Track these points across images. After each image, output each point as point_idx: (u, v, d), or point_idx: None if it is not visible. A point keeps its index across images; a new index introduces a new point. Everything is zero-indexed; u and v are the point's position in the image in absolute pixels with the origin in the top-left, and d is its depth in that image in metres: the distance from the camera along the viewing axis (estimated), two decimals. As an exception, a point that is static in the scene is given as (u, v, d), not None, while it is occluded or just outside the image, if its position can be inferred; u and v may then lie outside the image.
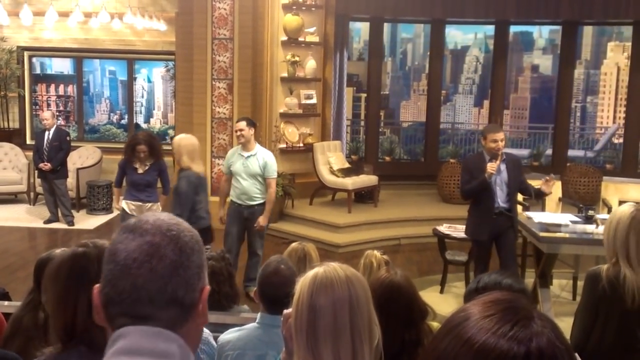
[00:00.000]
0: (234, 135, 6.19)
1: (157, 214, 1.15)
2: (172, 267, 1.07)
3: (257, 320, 2.73)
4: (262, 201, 6.04)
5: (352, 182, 8.84)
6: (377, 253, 3.47)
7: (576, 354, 2.99)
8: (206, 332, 2.83)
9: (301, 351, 1.65)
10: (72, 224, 8.66)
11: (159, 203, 6.26)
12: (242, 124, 5.96)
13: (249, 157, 5.97)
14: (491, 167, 5.29)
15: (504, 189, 5.45)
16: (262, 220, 6.01)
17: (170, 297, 1.07)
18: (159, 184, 6.40)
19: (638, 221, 3.02)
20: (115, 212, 9.36)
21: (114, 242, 1.11)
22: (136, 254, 1.07)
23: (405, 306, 2.45)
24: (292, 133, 9.13)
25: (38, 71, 11.72)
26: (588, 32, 18.72)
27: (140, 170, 6.08)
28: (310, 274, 1.72)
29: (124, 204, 6.13)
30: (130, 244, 1.08)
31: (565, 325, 4.67)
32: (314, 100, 9.29)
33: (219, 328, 3.04)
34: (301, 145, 9.15)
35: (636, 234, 3.01)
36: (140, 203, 6.11)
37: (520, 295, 0.90)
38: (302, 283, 1.71)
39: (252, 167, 5.97)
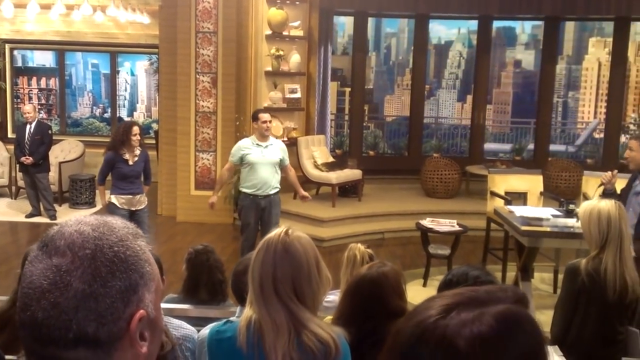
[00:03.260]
0: (259, 126, 6.12)
1: (81, 221, 0.96)
2: (78, 299, 0.89)
3: (236, 314, 2.76)
4: (277, 190, 6.23)
5: (336, 176, 8.87)
6: (360, 246, 3.50)
7: (556, 346, 3.04)
8: (190, 328, 2.84)
9: (257, 308, 2.05)
10: (55, 218, 8.60)
11: (144, 193, 6.27)
12: (269, 116, 6.21)
13: (267, 146, 6.14)
14: (604, 177, 4.57)
15: (637, 210, 4.51)
16: (303, 193, 6.44)
17: (77, 335, 0.89)
18: None
19: (623, 212, 3.10)
20: (100, 206, 9.32)
21: (28, 258, 0.94)
22: (39, 282, 0.90)
23: (387, 297, 2.49)
24: (276, 127, 9.12)
25: (20, 64, 11.60)
26: (570, 27, 18.90)
27: (130, 162, 6.05)
28: (261, 244, 2.09)
29: (114, 199, 6.08)
30: (37, 267, 0.91)
31: (546, 318, 4.74)
32: (298, 95, 9.30)
33: (201, 322, 3.05)
34: (285, 139, 9.14)
35: (626, 224, 3.09)
36: (130, 196, 6.11)
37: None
38: (256, 256, 2.08)
39: (271, 155, 6.15)
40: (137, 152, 6.09)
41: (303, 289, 2.02)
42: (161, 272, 2.96)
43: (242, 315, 2.12)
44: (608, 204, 3.14)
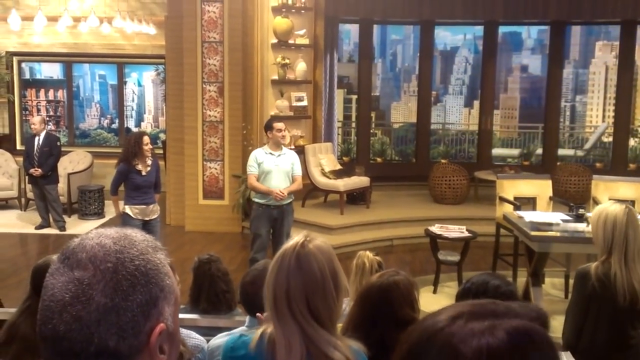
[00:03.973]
0: (274, 135, 6.07)
1: (102, 234, 0.96)
2: (100, 313, 0.89)
3: (246, 324, 2.76)
4: (290, 199, 6.20)
5: (344, 183, 8.86)
6: (369, 254, 3.49)
7: (568, 352, 3.01)
8: (199, 338, 2.84)
9: (273, 325, 1.94)
10: (64, 229, 8.63)
11: (156, 202, 6.28)
12: (283, 125, 6.17)
13: (280, 155, 6.12)
14: None
15: None
16: (284, 190, 6.03)
17: (98, 348, 0.89)
18: None
19: (633, 217, 3.05)
20: (109, 217, 9.34)
21: (49, 270, 0.95)
22: (60, 295, 0.90)
23: (397, 306, 2.48)
24: (283, 135, 9.14)
25: (27, 76, 11.66)
26: (576, 31, 18.86)
27: (144, 172, 6.05)
28: (276, 257, 1.98)
29: (128, 209, 6.07)
30: (58, 280, 0.92)
31: (557, 323, 4.70)
32: (304, 103, 9.31)
33: (212, 332, 3.05)
34: (292, 147, 9.14)
35: (634, 230, 3.04)
36: (144, 206, 6.11)
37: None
38: (270, 267, 1.98)
39: (284, 165, 6.12)
40: (149, 162, 6.11)
41: (318, 305, 1.92)
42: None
43: (257, 331, 2.04)
44: (617, 209, 3.10)
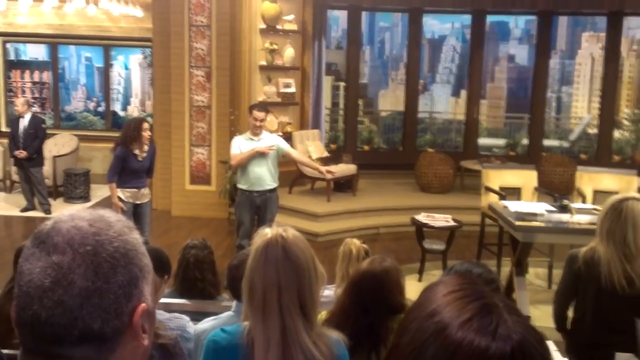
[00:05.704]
0: (251, 123, 6.10)
1: (76, 216, 0.94)
2: (82, 297, 0.88)
3: (232, 309, 2.77)
4: (274, 186, 6.17)
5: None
6: (356, 241, 3.50)
7: (551, 341, 3.06)
8: (184, 317, 2.87)
9: (252, 321, 1.92)
10: (49, 212, 8.57)
11: (147, 187, 6.28)
12: (263, 114, 6.11)
13: (260, 140, 6.10)
14: None
15: None
16: (327, 171, 6.43)
17: (82, 332, 0.88)
18: None
19: (615, 208, 3.10)
20: (95, 200, 9.29)
21: (23, 255, 0.92)
22: (39, 280, 0.88)
23: (389, 294, 2.51)
24: (270, 122, 9.11)
25: (12, 57, 11.52)
26: (563, 22, 18.91)
27: (140, 158, 6.04)
28: (258, 250, 1.93)
29: (120, 192, 6.04)
30: (35, 265, 0.89)
31: (541, 312, 4.77)
32: (292, 89, 9.28)
33: (198, 316, 3.06)
34: (280, 134, 9.13)
35: (610, 219, 3.10)
36: (136, 189, 6.10)
37: (477, 279, 0.91)
38: (252, 261, 1.94)
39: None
40: (146, 147, 6.12)
41: (305, 296, 1.91)
42: (168, 270, 2.92)
43: (240, 325, 2.04)
44: (617, 196, 3.18)
